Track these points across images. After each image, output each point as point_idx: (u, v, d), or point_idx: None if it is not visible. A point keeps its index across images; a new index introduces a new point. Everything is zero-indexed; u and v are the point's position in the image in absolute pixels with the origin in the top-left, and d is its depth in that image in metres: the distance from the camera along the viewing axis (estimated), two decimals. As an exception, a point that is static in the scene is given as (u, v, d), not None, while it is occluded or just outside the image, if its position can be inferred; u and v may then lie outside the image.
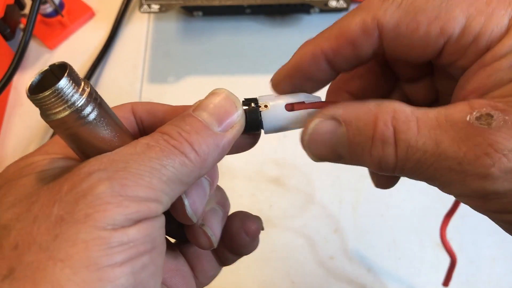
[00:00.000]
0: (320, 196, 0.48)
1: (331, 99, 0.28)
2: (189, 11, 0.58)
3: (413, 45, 0.21)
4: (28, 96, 0.19)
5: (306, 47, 0.24)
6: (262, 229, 0.29)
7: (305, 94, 0.25)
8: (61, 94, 0.19)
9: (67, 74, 0.19)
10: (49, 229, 0.18)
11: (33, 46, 0.59)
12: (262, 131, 0.25)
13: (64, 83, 0.19)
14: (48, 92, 0.19)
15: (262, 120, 0.24)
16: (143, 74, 0.56)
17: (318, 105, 0.24)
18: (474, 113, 0.19)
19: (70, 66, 0.20)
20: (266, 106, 0.24)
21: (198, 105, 0.23)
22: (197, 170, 0.21)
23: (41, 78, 0.20)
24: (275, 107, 0.24)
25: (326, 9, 0.53)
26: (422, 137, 0.20)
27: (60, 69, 0.20)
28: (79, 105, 0.20)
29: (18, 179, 0.21)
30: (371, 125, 0.21)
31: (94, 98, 0.20)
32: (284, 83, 0.25)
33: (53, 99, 0.19)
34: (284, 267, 0.46)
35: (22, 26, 0.59)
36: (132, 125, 0.26)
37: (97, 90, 0.50)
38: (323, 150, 0.23)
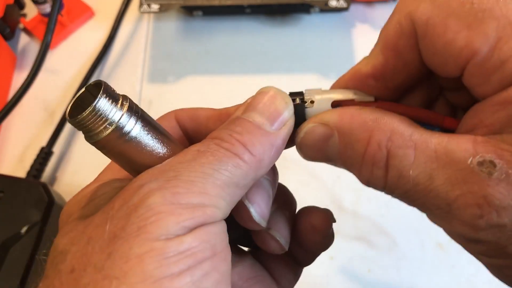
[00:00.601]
0: (320, 196, 0.48)
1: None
2: (189, 11, 0.58)
3: (437, 51, 0.19)
4: (68, 120, 0.19)
5: (355, 66, 0.23)
6: (334, 221, 0.27)
7: (356, 91, 0.23)
8: (100, 112, 0.19)
9: (102, 91, 0.19)
10: (103, 248, 0.18)
11: (33, 46, 0.58)
12: None
13: (101, 101, 0.19)
14: (87, 112, 0.19)
15: (307, 117, 0.23)
16: (143, 74, 0.56)
17: (369, 105, 0.22)
18: (477, 157, 0.18)
19: (105, 83, 0.19)
20: (312, 101, 0.23)
21: (247, 107, 0.22)
22: (253, 171, 0.20)
23: (79, 100, 0.20)
24: (321, 103, 0.23)
25: (326, 9, 0.53)
26: (416, 168, 0.19)
27: (96, 89, 0.19)
28: (120, 121, 0.19)
29: (76, 211, 0.21)
30: (363, 142, 0.20)
31: (135, 112, 0.20)
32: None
33: (92, 119, 0.19)
34: (284, 267, 0.46)
35: (21, 26, 0.59)
36: (179, 133, 0.25)
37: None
38: (314, 154, 0.23)
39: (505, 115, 0.18)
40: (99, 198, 0.21)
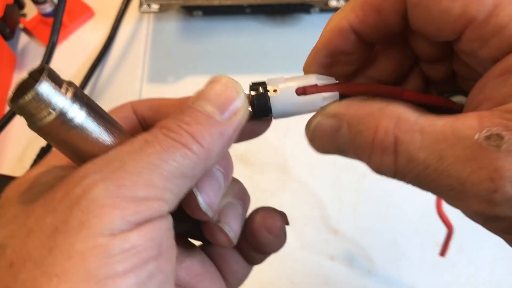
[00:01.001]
0: (320, 196, 0.48)
1: (347, 82, 0.25)
2: (189, 10, 0.58)
3: (432, 19, 0.20)
4: (9, 105, 0.18)
5: (332, 22, 0.22)
6: (287, 224, 0.27)
7: (318, 75, 0.23)
8: (43, 97, 0.18)
9: (46, 76, 0.18)
10: (44, 242, 0.17)
11: (32, 46, 0.58)
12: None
13: (44, 85, 0.18)
14: (29, 97, 0.18)
15: (271, 105, 0.23)
16: (143, 74, 0.56)
17: (332, 88, 0.23)
18: (484, 131, 0.18)
19: (48, 67, 0.18)
20: (275, 90, 0.23)
21: (198, 96, 0.22)
22: (202, 162, 0.20)
23: (22, 87, 0.19)
24: (285, 91, 0.23)
25: (326, 9, 0.53)
26: (425, 151, 0.19)
27: (40, 74, 0.19)
28: (64, 107, 0.18)
29: (16, 197, 0.20)
30: (371, 130, 0.20)
31: (80, 98, 0.19)
32: (314, 65, 0.24)
33: (35, 104, 0.18)
34: (284, 267, 0.46)
35: (21, 26, 0.59)
36: (134, 124, 0.24)
37: (97, 90, 0.50)
38: (326, 147, 0.23)
39: (508, 85, 0.18)
40: (41, 185, 0.20)
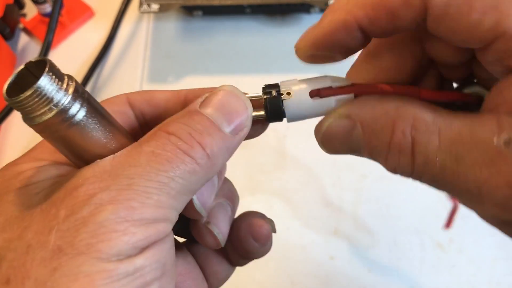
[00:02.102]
0: (320, 196, 0.48)
1: (361, 80, 0.24)
2: (189, 10, 0.58)
3: (460, 30, 0.19)
4: (6, 99, 0.17)
5: (336, 14, 0.21)
6: (274, 232, 0.27)
7: (331, 76, 0.23)
8: (44, 92, 0.17)
9: (48, 70, 0.17)
10: (46, 261, 0.16)
11: (32, 46, 0.58)
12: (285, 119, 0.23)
13: (45, 80, 0.17)
14: (29, 92, 0.17)
15: (285, 109, 0.22)
16: (143, 74, 0.56)
17: (347, 90, 0.22)
18: (502, 135, 0.17)
19: (50, 61, 0.18)
20: (289, 93, 0.22)
21: (205, 101, 0.21)
22: (206, 175, 0.20)
23: (18, 79, 0.18)
24: (299, 94, 0.22)
25: (326, 9, 0.53)
26: (442, 153, 0.18)
27: (38, 67, 0.18)
28: (65, 103, 0.17)
29: (6, 194, 0.19)
30: (388, 130, 0.20)
31: (81, 94, 0.18)
32: (311, 50, 0.23)
33: (35, 99, 0.17)
34: (284, 268, 0.46)
35: (21, 25, 0.59)
36: (130, 119, 0.24)
37: (96, 90, 0.49)
38: (338, 148, 0.22)
39: None
40: (34, 185, 0.19)
